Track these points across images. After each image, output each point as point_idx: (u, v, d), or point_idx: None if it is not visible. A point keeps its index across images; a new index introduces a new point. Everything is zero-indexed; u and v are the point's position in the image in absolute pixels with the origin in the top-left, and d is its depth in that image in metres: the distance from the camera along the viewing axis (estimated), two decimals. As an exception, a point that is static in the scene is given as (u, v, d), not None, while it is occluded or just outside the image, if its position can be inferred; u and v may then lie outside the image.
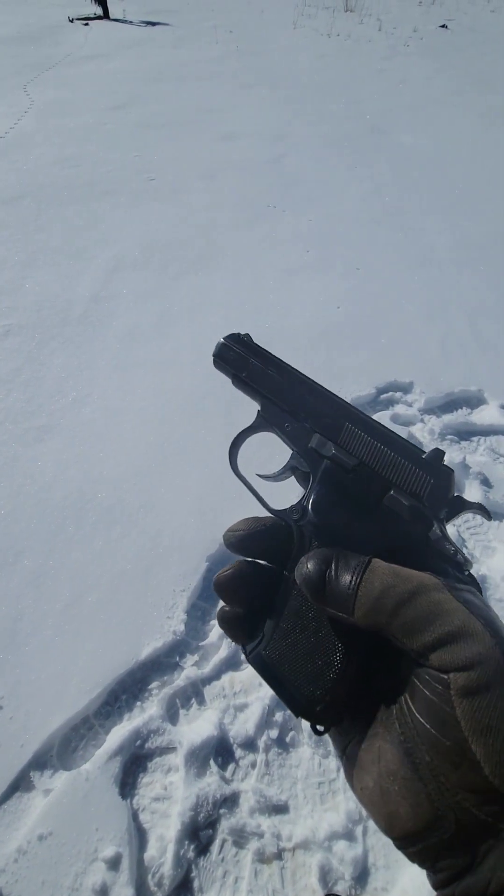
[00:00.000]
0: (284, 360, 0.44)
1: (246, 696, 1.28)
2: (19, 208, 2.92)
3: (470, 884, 0.26)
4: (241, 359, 0.43)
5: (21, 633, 1.32)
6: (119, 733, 1.19)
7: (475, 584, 0.33)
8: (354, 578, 0.30)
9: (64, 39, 5.92)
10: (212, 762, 1.18)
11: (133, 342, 2.16)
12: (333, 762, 1.20)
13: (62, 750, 1.18)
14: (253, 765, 1.19)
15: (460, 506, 0.35)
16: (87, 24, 6.61)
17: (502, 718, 0.26)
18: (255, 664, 0.34)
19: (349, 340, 2.25)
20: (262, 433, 0.43)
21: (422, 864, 0.28)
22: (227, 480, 1.64)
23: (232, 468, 0.42)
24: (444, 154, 3.99)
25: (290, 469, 0.40)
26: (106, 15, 6.96)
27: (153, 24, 6.85)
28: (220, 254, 2.71)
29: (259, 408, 0.42)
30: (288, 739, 1.23)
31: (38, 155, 3.47)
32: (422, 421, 1.98)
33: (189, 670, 1.30)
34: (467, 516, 1.70)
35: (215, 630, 1.39)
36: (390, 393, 2.05)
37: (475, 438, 1.96)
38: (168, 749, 1.20)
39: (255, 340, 0.46)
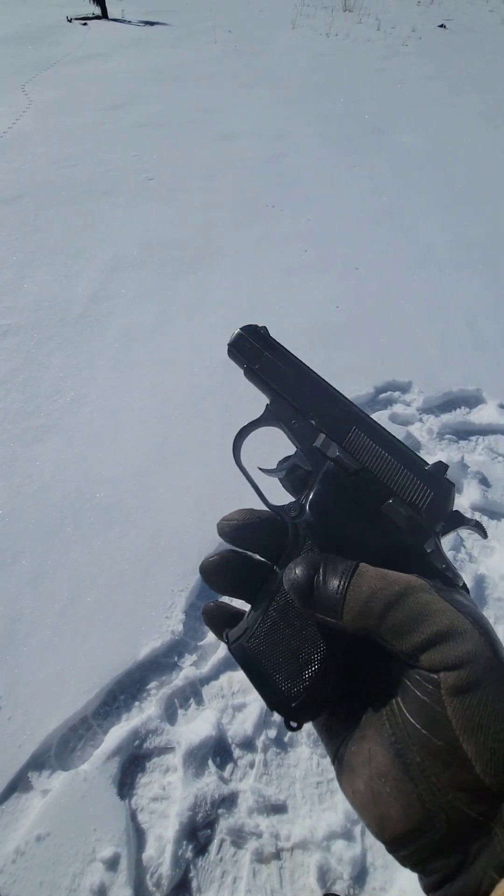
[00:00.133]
0: (299, 357, 0.43)
1: (244, 695, 1.28)
2: (18, 208, 2.91)
3: (461, 885, 0.26)
4: (255, 351, 0.43)
5: (19, 634, 1.32)
6: (117, 733, 1.19)
7: (466, 593, 0.33)
8: (342, 583, 0.30)
9: (62, 39, 5.91)
10: (210, 762, 1.18)
11: (132, 342, 2.16)
12: (332, 762, 1.20)
13: (60, 750, 1.18)
14: (251, 765, 1.19)
15: (457, 521, 0.35)
16: (85, 24, 6.60)
17: (493, 716, 0.26)
18: (236, 654, 0.35)
19: (348, 340, 2.25)
20: (268, 428, 0.43)
21: (413, 867, 0.28)
22: (226, 480, 1.64)
23: (235, 459, 0.42)
24: (443, 154, 4.00)
25: (291, 467, 0.40)
26: (104, 15, 6.95)
27: (151, 23, 6.84)
28: (218, 253, 2.71)
29: (268, 402, 0.42)
30: (286, 739, 1.23)
31: (36, 155, 3.47)
32: (420, 420, 1.98)
33: (187, 670, 1.30)
34: (467, 515, 1.70)
35: (214, 630, 1.39)
36: (389, 392, 2.05)
37: (473, 438, 1.96)
38: (166, 749, 1.20)
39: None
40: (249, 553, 0.38)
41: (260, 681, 0.33)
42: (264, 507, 0.39)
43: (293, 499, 0.38)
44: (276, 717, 1.24)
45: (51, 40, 5.85)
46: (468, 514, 1.70)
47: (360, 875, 1.06)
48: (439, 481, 0.36)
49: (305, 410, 0.40)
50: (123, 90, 4.59)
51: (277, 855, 1.08)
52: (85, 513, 1.57)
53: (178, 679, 1.29)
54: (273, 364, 0.42)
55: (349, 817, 1.12)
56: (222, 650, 1.35)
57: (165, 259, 2.64)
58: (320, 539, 0.35)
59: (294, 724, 0.33)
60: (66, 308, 2.29)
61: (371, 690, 0.32)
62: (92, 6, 6.98)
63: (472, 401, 2.09)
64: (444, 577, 0.33)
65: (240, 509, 0.38)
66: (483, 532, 0.36)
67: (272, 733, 1.23)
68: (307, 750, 1.22)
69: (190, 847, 1.07)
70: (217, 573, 0.37)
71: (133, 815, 1.11)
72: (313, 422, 0.39)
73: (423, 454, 1.87)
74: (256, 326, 0.44)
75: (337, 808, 1.13)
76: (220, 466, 1.69)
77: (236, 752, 1.20)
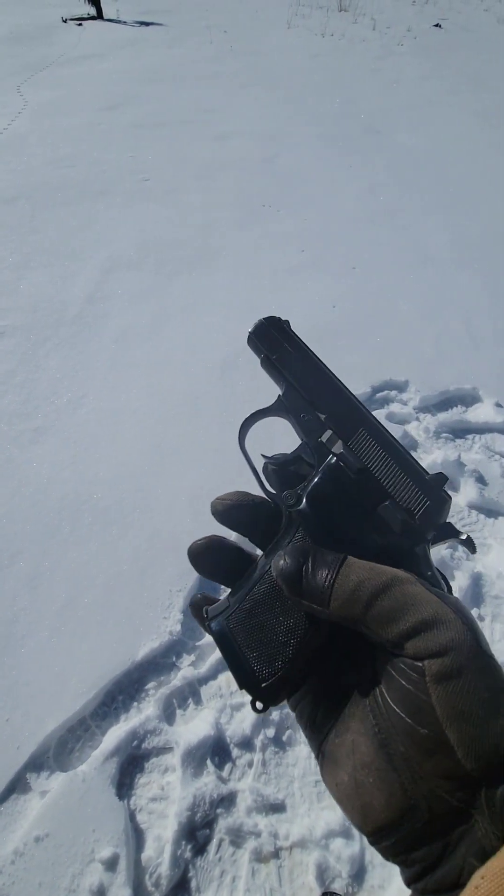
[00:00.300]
0: (319, 355, 0.44)
1: (242, 695, 1.28)
2: (14, 209, 2.91)
3: (442, 874, 0.26)
4: (275, 341, 0.44)
5: (17, 635, 1.32)
6: (115, 734, 1.19)
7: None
8: (331, 573, 0.31)
9: (57, 40, 5.91)
10: (209, 762, 1.18)
11: (128, 343, 2.16)
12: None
13: (59, 751, 1.18)
14: (250, 764, 1.19)
15: (449, 533, 0.36)
16: (80, 25, 6.59)
17: (476, 702, 0.27)
18: (214, 632, 0.35)
19: (345, 339, 2.26)
20: (275, 419, 0.43)
21: (395, 858, 0.29)
22: (224, 480, 1.64)
23: (239, 443, 0.43)
24: (440, 153, 4.00)
25: (293, 459, 0.41)
26: (99, 15, 6.94)
27: (147, 24, 6.84)
28: (215, 254, 2.71)
29: (281, 392, 0.43)
30: (284, 738, 1.23)
31: (32, 156, 3.46)
32: (417, 419, 1.98)
33: (185, 670, 1.30)
34: (462, 514, 1.71)
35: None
36: (386, 391, 2.06)
37: (470, 436, 1.97)
38: (165, 749, 1.20)
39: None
40: (237, 543, 0.39)
41: (233, 659, 0.34)
42: (261, 493, 0.40)
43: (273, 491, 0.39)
44: (274, 716, 1.24)
45: (46, 41, 5.84)
46: (465, 512, 1.71)
47: (359, 873, 1.07)
48: (437, 492, 0.36)
49: (317, 405, 0.40)
50: (119, 91, 4.59)
51: (276, 854, 1.08)
52: (82, 514, 1.57)
53: (177, 679, 1.29)
54: (291, 356, 0.43)
55: (348, 816, 1.12)
56: (220, 650, 1.35)
57: (162, 259, 2.64)
58: (313, 530, 0.35)
59: (260, 706, 0.33)
60: (62, 309, 2.29)
61: (354, 683, 0.32)
62: (87, 6, 6.97)
63: (469, 399, 2.09)
64: (431, 581, 0.34)
65: (235, 491, 0.39)
66: (472, 547, 0.37)
67: (270, 733, 1.23)
68: (305, 749, 1.22)
69: (189, 847, 1.08)
70: (204, 556, 0.38)
71: (132, 816, 1.11)
72: (322, 417, 0.40)
73: (420, 453, 1.88)
74: (280, 319, 0.45)
75: (335, 807, 1.14)
76: (217, 467, 1.69)
77: (235, 752, 1.20)
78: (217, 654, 1.34)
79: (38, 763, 1.15)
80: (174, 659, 1.33)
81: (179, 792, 1.13)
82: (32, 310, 2.26)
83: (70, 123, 3.92)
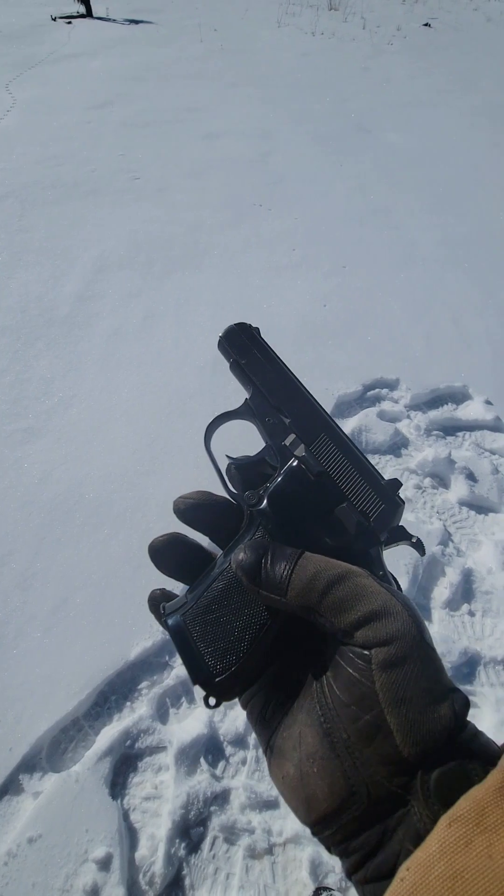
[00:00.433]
0: (285, 361, 0.46)
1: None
2: (2, 208, 2.89)
3: (381, 860, 0.27)
4: (245, 347, 0.46)
5: (9, 636, 1.31)
6: (109, 734, 1.19)
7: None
8: (289, 565, 0.33)
9: (46, 38, 5.86)
10: (202, 760, 1.18)
11: (119, 342, 2.15)
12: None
13: (51, 752, 1.18)
14: (243, 761, 1.19)
15: (401, 536, 0.38)
16: (69, 23, 6.54)
17: (416, 690, 0.28)
18: (169, 627, 0.36)
19: (336, 338, 2.26)
20: (241, 421, 0.45)
21: (336, 848, 0.29)
22: (214, 479, 1.64)
23: (205, 443, 0.45)
24: (429, 153, 4.02)
25: (257, 461, 0.42)
26: (89, 13, 6.89)
27: (137, 22, 6.80)
28: (206, 252, 2.71)
29: (248, 396, 0.44)
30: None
31: (20, 154, 3.44)
32: (408, 417, 1.99)
33: (178, 669, 1.30)
34: (453, 511, 1.72)
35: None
36: (377, 390, 2.07)
37: (460, 433, 1.98)
38: (158, 748, 1.20)
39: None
40: (198, 541, 0.40)
41: (188, 654, 0.35)
42: (224, 493, 0.41)
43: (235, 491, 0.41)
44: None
45: (35, 39, 5.79)
46: (456, 509, 1.73)
47: (352, 868, 1.07)
48: (391, 497, 0.39)
49: (282, 410, 0.42)
50: (109, 89, 4.56)
51: (270, 850, 1.09)
52: (74, 513, 1.57)
53: (170, 678, 1.29)
54: (259, 362, 0.45)
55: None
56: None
57: (153, 258, 2.63)
58: (273, 529, 0.37)
59: (212, 702, 0.34)
60: (52, 308, 2.28)
61: (302, 677, 0.33)
62: (76, 5, 6.92)
63: (459, 397, 2.11)
64: (383, 580, 0.35)
65: (198, 490, 0.40)
66: (422, 550, 0.39)
67: (264, 730, 1.23)
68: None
69: (183, 845, 1.08)
70: (164, 552, 0.39)
71: (125, 815, 1.11)
72: (287, 421, 0.42)
73: (411, 450, 1.89)
74: (250, 325, 0.47)
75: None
76: (208, 465, 1.69)
77: (228, 750, 1.21)
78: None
79: (30, 764, 1.15)
80: (167, 658, 1.33)
81: (173, 790, 1.13)
82: (22, 309, 2.25)
83: (59, 122, 3.90)
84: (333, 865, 1.07)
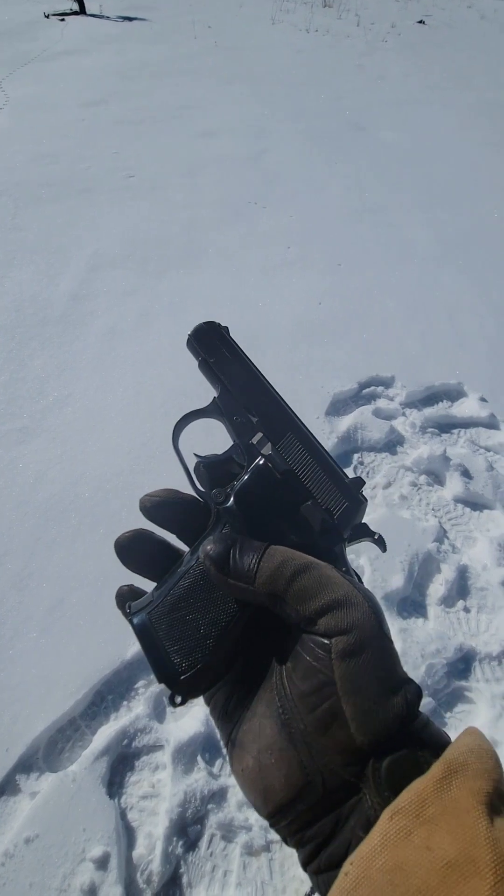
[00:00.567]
0: (254, 361, 0.46)
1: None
2: (-4, 207, 2.87)
3: (334, 849, 0.28)
4: (214, 346, 0.46)
5: (4, 637, 1.31)
6: (106, 733, 1.19)
7: None
8: (256, 555, 0.33)
9: (39, 35, 5.82)
10: (199, 758, 1.18)
11: (114, 341, 2.15)
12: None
13: (48, 752, 1.18)
14: (240, 759, 1.19)
15: (363, 533, 0.39)
16: (63, 20, 6.50)
17: (372, 679, 0.29)
18: (135, 626, 0.36)
19: (331, 336, 2.26)
20: (209, 420, 0.45)
21: (292, 839, 0.30)
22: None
23: (173, 441, 0.45)
24: (424, 150, 4.03)
25: (224, 459, 0.43)
26: (82, 10, 6.85)
27: (130, 19, 6.77)
28: (201, 251, 2.71)
29: (216, 395, 0.45)
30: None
31: (14, 152, 3.42)
32: (403, 415, 2.00)
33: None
34: (448, 508, 1.73)
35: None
36: (372, 387, 2.07)
37: (455, 431, 1.99)
38: (155, 747, 1.20)
39: (235, 337, 0.48)
40: (164, 539, 0.40)
41: (154, 653, 0.35)
42: (191, 491, 0.41)
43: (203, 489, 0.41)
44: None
45: (28, 36, 5.76)
46: (451, 506, 1.73)
47: (349, 863, 1.08)
48: (355, 495, 0.39)
49: (250, 409, 0.43)
50: (102, 86, 4.54)
51: (267, 847, 1.09)
52: (69, 513, 1.56)
53: (166, 677, 1.29)
54: (228, 361, 0.45)
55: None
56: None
57: (148, 257, 2.63)
58: (240, 526, 0.37)
59: (178, 700, 0.34)
60: (47, 307, 2.27)
61: (265, 673, 0.34)
62: (70, 2, 6.88)
63: (454, 394, 2.11)
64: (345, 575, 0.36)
65: (164, 488, 0.41)
66: (383, 546, 0.40)
67: (260, 728, 1.23)
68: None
69: (180, 843, 1.08)
70: (130, 549, 0.39)
71: (122, 814, 1.11)
72: (254, 420, 0.42)
73: (406, 448, 1.90)
74: (219, 324, 0.47)
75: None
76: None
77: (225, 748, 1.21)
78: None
79: (27, 764, 1.15)
80: (164, 657, 1.33)
81: (170, 789, 1.13)
82: (16, 308, 2.24)
83: (53, 119, 3.87)
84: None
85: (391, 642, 0.31)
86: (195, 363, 0.48)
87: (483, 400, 2.06)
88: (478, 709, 1.31)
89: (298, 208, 3.13)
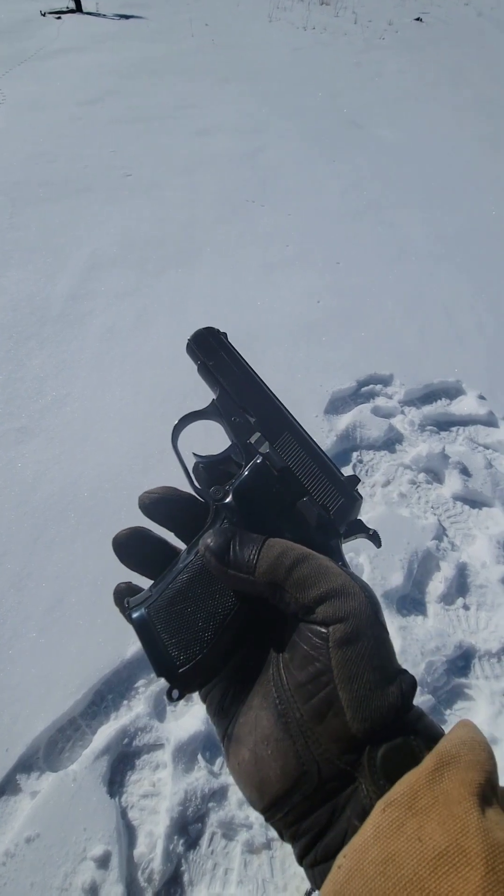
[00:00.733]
0: (252, 361, 0.48)
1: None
2: (-7, 206, 2.86)
3: (330, 839, 0.28)
4: (212, 350, 0.48)
5: (4, 637, 1.31)
6: (106, 732, 1.19)
7: None
8: (256, 546, 0.34)
9: (36, 33, 5.80)
10: (199, 757, 1.18)
11: (112, 340, 2.15)
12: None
13: (49, 752, 1.18)
14: (240, 758, 1.19)
15: (359, 528, 0.40)
16: (59, 18, 6.48)
17: (368, 667, 0.29)
18: (133, 620, 0.36)
19: (329, 334, 2.26)
20: (208, 421, 0.46)
21: (288, 831, 0.30)
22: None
23: (172, 442, 0.46)
24: (421, 148, 4.02)
25: (222, 458, 0.44)
26: (78, 8, 6.82)
27: (127, 17, 6.74)
28: (199, 250, 2.70)
29: (214, 397, 0.46)
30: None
31: (11, 151, 3.41)
32: (402, 413, 2.00)
33: (175, 667, 1.30)
34: (447, 505, 1.73)
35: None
36: (371, 385, 2.07)
37: (454, 429, 1.99)
38: (156, 746, 1.20)
39: (234, 337, 0.49)
40: (162, 536, 0.41)
41: (152, 647, 0.35)
42: (190, 490, 0.42)
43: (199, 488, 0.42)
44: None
45: (24, 34, 5.73)
46: (450, 504, 1.73)
47: (350, 861, 1.08)
48: (350, 492, 0.40)
49: (247, 409, 0.44)
50: (99, 85, 4.53)
51: (268, 845, 1.09)
52: (68, 513, 1.56)
53: (166, 676, 1.29)
54: (226, 364, 0.47)
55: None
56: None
57: (146, 256, 2.62)
58: (239, 522, 0.38)
59: (175, 694, 0.34)
60: (45, 307, 2.26)
61: (261, 666, 0.34)
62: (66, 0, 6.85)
63: (453, 392, 2.11)
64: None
65: (163, 485, 0.41)
66: (378, 542, 0.41)
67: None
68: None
69: (181, 841, 1.08)
70: (128, 546, 0.40)
71: (123, 813, 1.11)
72: (252, 420, 0.43)
73: (405, 446, 1.90)
74: (218, 330, 0.49)
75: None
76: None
77: (225, 746, 1.21)
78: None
79: (27, 764, 1.15)
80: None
81: (171, 787, 1.13)
82: (13, 308, 2.23)
83: (50, 118, 3.86)
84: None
85: (387, 632, 0.32)
86: (194, 364, 0.48)
87: (481, 397, 2.06)
88: (477, 706, 1.31)
89: (296, 206, 3.12)
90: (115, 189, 3.13)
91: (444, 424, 2.00)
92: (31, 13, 6.46)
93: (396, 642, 1.36)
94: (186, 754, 1.18)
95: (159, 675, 0.34)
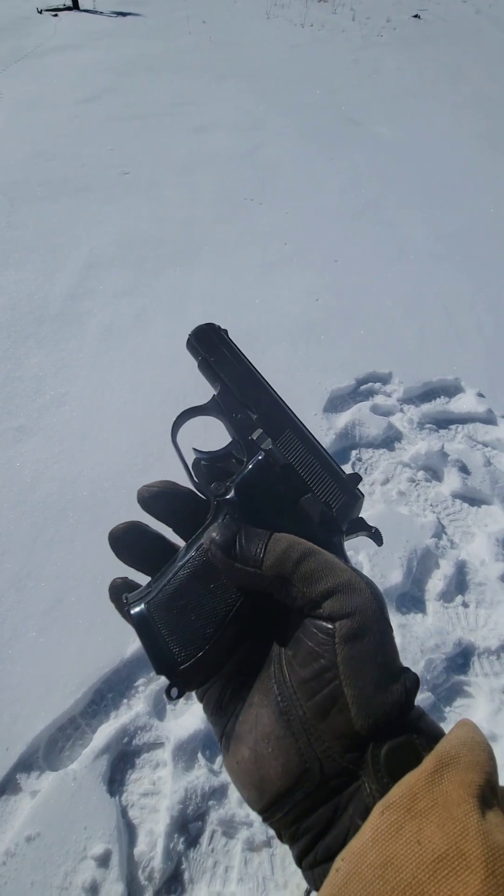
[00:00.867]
0: (252, 359, 0.47)
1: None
2: (-10, 205, 2.85)
3: (331, 839, 0.27)
4: (213, 346, 0.48)
5: (3, 636, 1.31)
6: (106, 731, 1.19)
7: None
8: (262, 541, 0.34)
9: (33, 31, 5.78)
10: (199, 755, 1.18)
11: (111, 339, 2.14)
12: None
13: (49, 751, 1.18)
14: (241, 756, 1.20)
15: (360, 527, 0.40)
16: (56, 15, 6.45)
17: (373, 663, 0.29)
18: (132, 616, 0.36)
19: (329, 333, 2.26)
20: (207, 417, 0.46)
21: (287, 831, 0.29)
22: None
23: (172, 436, 0.46)
24: (419, 145, 4.01)
25: (224, 455, 0.43)
26: (75, 5, 6.79)
27: (124, 14, 6.71)
28: (198, 248, 2.69)
29: (215, 393, 0.46)
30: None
31: (8, 150, 3.39)
32: (401, 411, 2.00)
33: (175, 666, 1.30)
34: (446, 503, 1.73)
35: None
36: (370, 384, 2.07)
37: (453, 426, 1.99)
38: (156, 745, 1.20)
39: (233, 335, 0.49)
40: (159, 532, 0.40)
41: (152, 643, 0.35)
42: (190, 486, 0.42)
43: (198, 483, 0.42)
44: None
45: (21, 32, 5.71)
46: (449, 501, 1.73)
47: (350, 858, 1.08)
48: (352, 490, 0.40)
49: (249, 406, 0.44)
50: (97, 82, 4.51)
51: (268, 843, 1.10)
52: (67, 513, 1.56)
53: (166, 675, 1.29)
54: (228, 360, 0.46)
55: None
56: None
57: (144, 255, 2.61)
58: (241, 517, 0.38)
59: (174, 693, 0.34)
60: (43, 306, 2.26)
61: (260, 665, 0.34)
62: (62, -4, 6.81)
63: (452, 390, 2.11)
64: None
65: (162, 480, 0.41)
66: (379, 540, 0.41)
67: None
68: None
69: (181, 840, 1.08)
70: (124, 540, 0.39)
71: (123, 812, 1.12)
72: (254, 417, 0.43)
73: (404, 444, 1.90)
74: (219, 326, 0.49)
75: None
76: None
77: (225, 745, 1.21)
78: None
79: (27, 763, 1.15)
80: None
81: (171, 786, 1.13)
82: (12, 307, 2.23)
83: (48, 117, 3.85)
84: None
85: (391, 629, 0.32)
86: (193, 362, 0.48)
87: (480, 395, 2.06)
88: (477, 703, 1.31)
89: (295, 204, 3.12)
90: (113, 188, 3.12)
91: (443, 422, 2.00)
92: (28, 10, 6.43)
93: (396, 640, 1.36)
94: (186, 753, 1.18)
95: (159, 672, 0.34)
